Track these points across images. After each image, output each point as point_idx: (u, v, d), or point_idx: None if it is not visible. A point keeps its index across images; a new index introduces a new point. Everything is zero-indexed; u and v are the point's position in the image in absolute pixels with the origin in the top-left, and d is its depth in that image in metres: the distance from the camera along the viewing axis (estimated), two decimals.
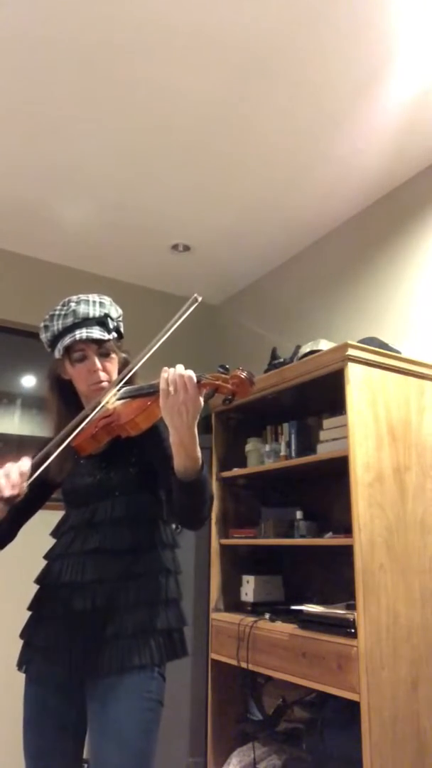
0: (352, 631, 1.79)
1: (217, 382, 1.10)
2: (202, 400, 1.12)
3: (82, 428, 1.27)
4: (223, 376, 1.11)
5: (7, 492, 1.16)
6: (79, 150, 2.45)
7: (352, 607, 1.86)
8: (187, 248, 3.23)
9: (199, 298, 1.24)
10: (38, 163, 2.53)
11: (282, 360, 2.52)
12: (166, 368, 1.14)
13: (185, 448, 1.13)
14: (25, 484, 1.21)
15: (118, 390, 1.33)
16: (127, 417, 1.21)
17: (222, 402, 1.13)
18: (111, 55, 1.99)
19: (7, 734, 1.76)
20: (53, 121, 2.29)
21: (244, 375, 1.09)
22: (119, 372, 1.41)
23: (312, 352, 2.29)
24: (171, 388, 1.11)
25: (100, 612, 1.24)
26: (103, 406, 1.30)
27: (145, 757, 1.18)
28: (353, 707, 1.74)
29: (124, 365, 1.43)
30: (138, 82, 2.10)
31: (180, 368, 1.13)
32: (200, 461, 1.16)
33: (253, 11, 1.83)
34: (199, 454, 1.16)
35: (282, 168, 2.57)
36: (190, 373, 1.12)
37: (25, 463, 1.22)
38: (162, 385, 1.12)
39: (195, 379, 1.10)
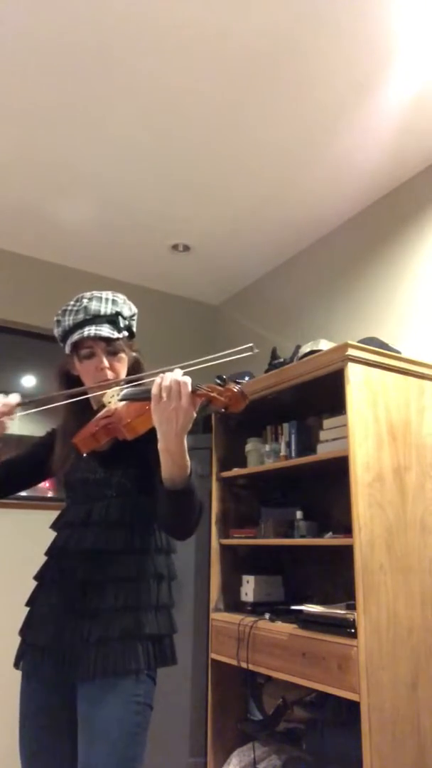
0: (352, 631, 1.79)
1: (212, 394, 1.09)
2: (195, 410, 1.09)
3: (62, 417, 1.35)
4: (218, 388, 1.09)
5: None
6: (79, 150, 2.45)
7: (352, 607, 1.86)
8: (187, 248, 3.23)
9: (256, 350, 1.17)
10: (38, 162, 2.53)
11: (282, 360, 2.52)
12: (162, 375, 1.12)
13: (172, 456, 1.11)
14: (17, 411, 1.28)
15: (122, 390, 1.31)
16: (125, 419, 1.20)
17: (214, 414, 1.12)
18: (110, 55, 1.99)
19: (6, 733, 1.76)
20: (53, 121, 2.29)
21: (236, 389, 1.07)
22: (128, 371, 1.41)
23: (312, 352, 2.29)
24: (164, 395, 1.08)
25: (89, 613, 1.23)
26: (89, 401, 1.31)
27: (132, 761, 1.18)
28: (353, 707, 1.74)
29: (134, 365, 1.43)
30: (137, 81, 2.10)
31: (177, 374, 1.11)
32: (188, 470, 1.13)
33: (253, 11, 1.83)
34: (188, 462, 1.13)
35: (282, 168, 2.57)
36: (187, 380, 1.09)
37: (14, 396, 1.30)
38: (154, 390, 1.10)
39: (190, 388, 1.08)
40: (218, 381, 1.11)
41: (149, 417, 1.15)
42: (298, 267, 3.25)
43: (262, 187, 2.70)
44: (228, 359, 1.17)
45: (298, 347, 2.47)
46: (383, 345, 2.24)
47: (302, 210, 2.88)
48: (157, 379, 1.11)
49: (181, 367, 1.15)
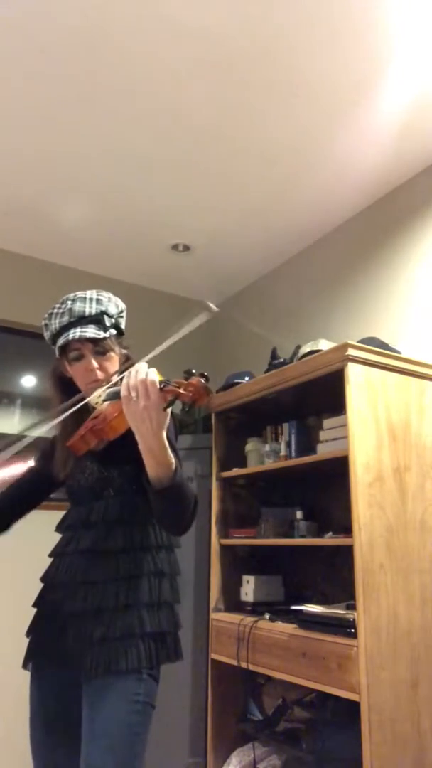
0: (352, 631, 1.79)
1: (178, 390, 1.04)
2: (167, 409, 1.06)
3: (61, 421, 1.27)
4: (184, 382, 1.05)
5: None
6: (80, 150, 2.45)
7: (352, 607, 1.86)
8: (187, 248, 3.23)
9: (215, 309, 1.14)
10: (38, 163, 2.53)
11: (282, 360, 2.52)
12: (128, 372, 1.09)
13: (154, 456, 1.09)
14: None
15: (105, 391, 1.29)
16: (106, 419, 1.18)
17: (181, 410, 1.08)
18: (111, 55, 1.99)
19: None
20: (53, 122, 2.29)
21: (199, 383, 1.04)
22: (120, 369, 1.40)
23: (312, 352, 2.29)
24: (133, 394, 1.06)
25: (91, 613, 1.24)
26: (85, 403, 1.29)
27: (132, 760, 1.18)
28: (353, 707, 1.74)
29: (125, 362, 1.43)
30: (137, 82, 2.10)
31: (142, 370, 1.07)
32: (173, 467, 1.12)
33: (251, 14, 1.83)
34: (172, 459, 1.12)
35: (281, 168, 2.57)
36: (153, 377, 1.06)
37: None
38: (123, 392, 1.07)
39: (158, 385, 1.05)
40: (185, 375, 1.07)
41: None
42: (298, 267, 3.25)
43: (262, 187, 2.70)
44: (190, 329, 1.12)
45: (298, 347, 2.47)
46: (383, 345, 2.24)
47: (302, 210, 2.88)
48: (125, 380, 1.09)
49: (147, 360, 1.13)
